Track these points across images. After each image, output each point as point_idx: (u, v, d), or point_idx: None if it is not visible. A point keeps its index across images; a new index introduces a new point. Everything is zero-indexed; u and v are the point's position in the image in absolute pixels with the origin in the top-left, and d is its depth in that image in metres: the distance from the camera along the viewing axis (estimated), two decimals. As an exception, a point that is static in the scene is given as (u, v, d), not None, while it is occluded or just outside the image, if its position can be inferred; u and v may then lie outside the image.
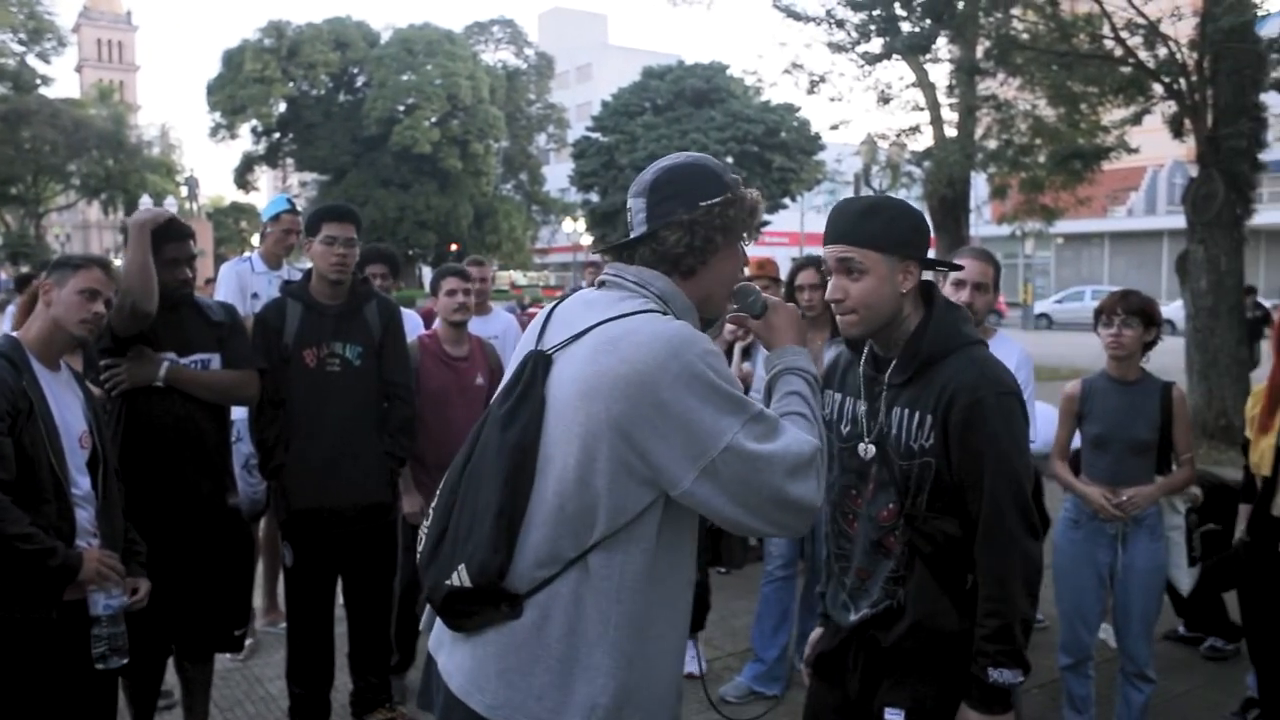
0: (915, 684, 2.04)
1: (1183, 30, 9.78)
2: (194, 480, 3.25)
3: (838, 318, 2.09)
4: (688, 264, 1.74)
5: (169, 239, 3.23)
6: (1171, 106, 9.95)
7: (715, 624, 4.74)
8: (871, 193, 18.12)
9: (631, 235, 1.77)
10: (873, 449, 2.08)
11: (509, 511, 1.61)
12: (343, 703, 3.86)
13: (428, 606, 1.80)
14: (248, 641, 4.53)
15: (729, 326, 4.00)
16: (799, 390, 1.77)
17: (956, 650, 2.00)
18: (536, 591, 1.62)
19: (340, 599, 3.80)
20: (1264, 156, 9.69)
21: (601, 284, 1.79)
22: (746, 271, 7.08)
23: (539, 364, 1.68)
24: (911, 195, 15.60)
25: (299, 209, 4.93)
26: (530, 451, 1.62)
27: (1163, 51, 9.79)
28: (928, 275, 2.14)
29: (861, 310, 2.03)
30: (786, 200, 39.14)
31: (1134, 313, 3.41)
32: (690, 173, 1.76)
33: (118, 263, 3.40)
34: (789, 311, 1.90)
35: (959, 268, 2.47)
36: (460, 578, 1.61)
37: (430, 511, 1.75)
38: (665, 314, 1.69)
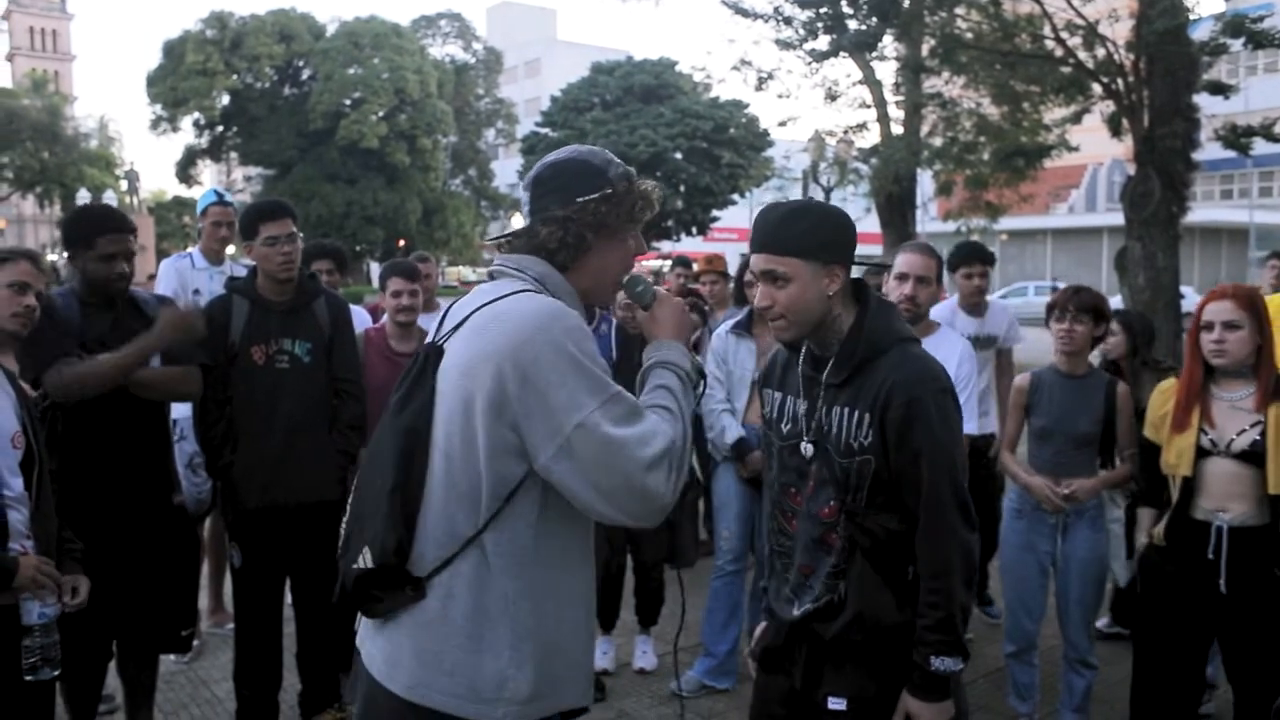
0: (857, 673, 2.08)
1: (1120, 32, 10.00)
2: (135, 479, 3.18)
3: (769, 324, 2.12)
4: (560, 258, 1.78)
5: (105, 230, 3.13)
6: (1110, 106, 10.18)
7: (666, 619, 4.75)
8: (819, 189, 18.29)
9: (518, 229, 1.83)
10: (811, 448, 2.11)
11: (402, 492, 1.66)
12: (291, 704, 3.82)
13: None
14: (194, 643, 4.47)
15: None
16: (668, 384, 1.77)
17: (897, 641, 2.05)
18: (438, 572, 1.67)
19: (289, 598, 3.76)
20: (1197, 156, 9.94)
21: (492, 276, 1.84)
22: (683, 264, 7.07)
23: (431, 355, 1.74)
24: (859, 192, 15.78)
25: (231, 201, 4.85)
26: (422, 435, 1.68)
27: (1101, 52, 10.01)
28: (859, 273, 2.17)
29: (790, 316, 2.06)
30: (735, 196, 39.34)
31: (1085, 309, 3.50)
32: (569, 168, 1.79)
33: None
34: (674, 306, 1.90)
35: (886, 267, 2.50)
36: (365, 560, 1.67)
37: (348, 506, 1.82)
38: (540, 294, 1.74)
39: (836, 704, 2.08)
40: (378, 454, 1.74)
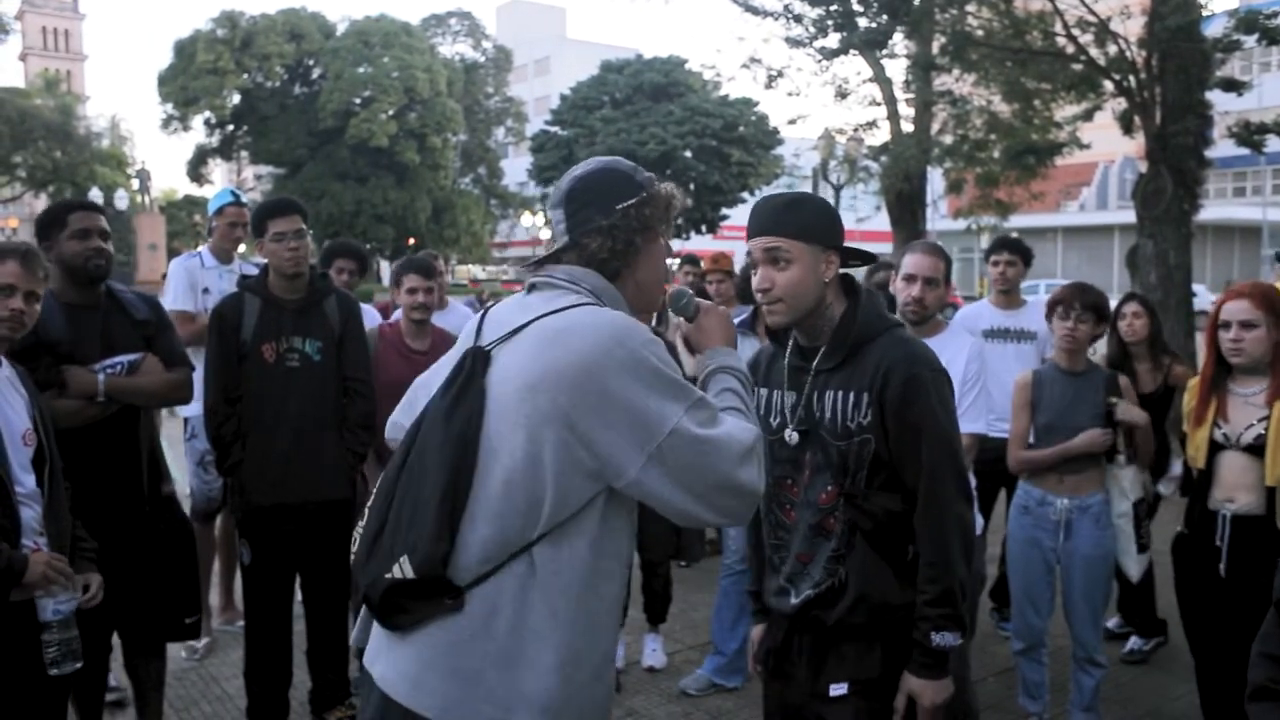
0: (858, 658, 2.09)
1: (1132, 29, 9.95)
2: (124, 472, 3.13)
3: (764, 308, 2.15)
4: (612, 268, 1.77)
5: (76, 208, 3.12)
6: (1122, 103, 10.12)
7: (675, 617, 4.76)
8: (829, 186, 18.27)
9: (555, 247, 1.80)
10: (797, 435, 2.14)
11: (451, 502, 1.60)
12: (301, 700, 3.83)
13: (358, 620, 1.78)
14: (204, 640, 4.49)
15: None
16: (732, 387, 1.80)
17: (899, 622, 2.06)
18: (479, 584, 1.60)
19: (299, 596, 3.77)
20: (1210, 153, 9.89)
21: (532, 287, 1.81)
22: (689, 264, 7.05)
23: (478, 359, 1.69)
24: (869, 189, 15.76)
25: (245, 201, 4.87)
26: (472, 444, 1.62)
27: (1113, 49, 9.96)
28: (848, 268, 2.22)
29: (788, 299, 2.10)
30: (745, 194, 39.30)
31: (1089, 308, 3.53)
32: (603, 178, 1.79)
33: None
34: (719, 315, 1.95)
35: (873, 258, 2.53)
36: (403, 569, 1.58)
37: (366, 510, 1.73)
38: (601, 307, 1.72)
39: (838, 690, 2.09)
40: (423, 460, 1.66)
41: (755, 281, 2.13)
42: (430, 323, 4.19)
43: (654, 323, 4.20)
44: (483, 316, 1.84)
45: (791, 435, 2.15)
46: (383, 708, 1.66)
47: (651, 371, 1.61)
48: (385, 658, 1.68)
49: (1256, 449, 2.99)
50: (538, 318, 1.68)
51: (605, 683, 1.75)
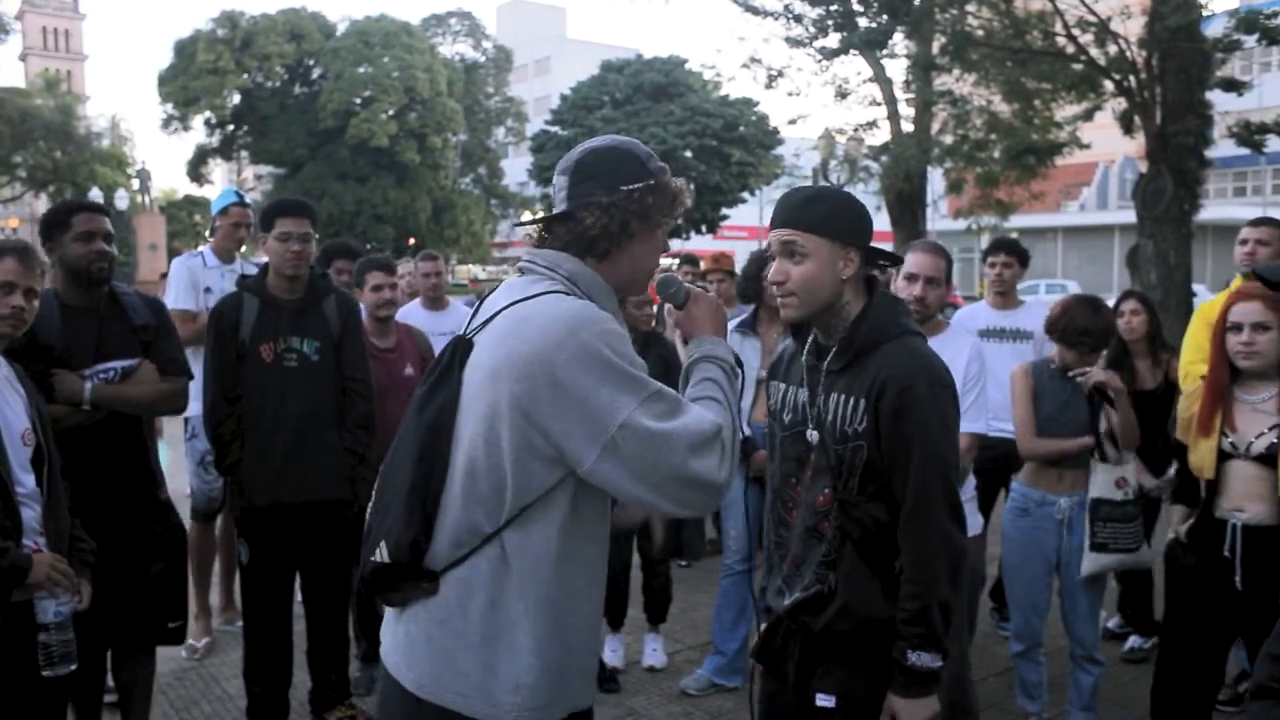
0: (846, 670, 2.06)
1: (1132, 29, 9.96)
2: (112, 476, 3.09)
3: (778, 300, 2.13)
4: (601, 247, 1.76)
5: (81, 209, 3.10)
6: (1122, 103, 10.14)
7: (676, 617, 4.76)
8: (830, 186, 18.22)
9: (554, 212, 1.81)
10: (817, 434, 2.11)
11: (421, 489, 1.66)
12: (301, 700, 3.84)
13: None
14: (204, 640, 4.50)
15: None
16: (713, 377, 1.80)
17: (886, 636, 2.03)
18: (453, 568, 1.67)
19: (299, 596, 3.77)
20: (1210, 153, 9.90)
21: (521, 270, 1.82)
22: (693, 264, 7.04)
23: (459, 348, 1.72)
24: (869, 189, 15.76)
25: (249, 202, 4.89)
26: (444, 431, 1.66)
27: (1113, 49, 9.98)
28: (876, 269, 2.18)
29: (801, 294, 2.07)
30: (745, 194, 39.32)
31: (1106, 343, 3.57)
32: (613, 156, 1.79)
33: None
34: (709, 302, 1.94)
35: (899, 260, 2.47)
36: (381, 554, 1.67)
37: (374, 493, 1.81)
38: (571, 294, 1.72)
39: (825, 701, 2.07)
40: (399, 449, 1.74)
41: (771, 273, 2.11)
42: (394, 320, 4.23)
43: (653, 322, 4.23)
44: (480, 302, 1.86)
45: (812, 434, 2.12)
46: (385, 677, 1.78)
47: (602, 364, 1.61)
48: (390, 631, 1.80)
49: (1268, 459, 2.89)
50: (509, 305, 1.70)
51: (586, 669, 1.80)
